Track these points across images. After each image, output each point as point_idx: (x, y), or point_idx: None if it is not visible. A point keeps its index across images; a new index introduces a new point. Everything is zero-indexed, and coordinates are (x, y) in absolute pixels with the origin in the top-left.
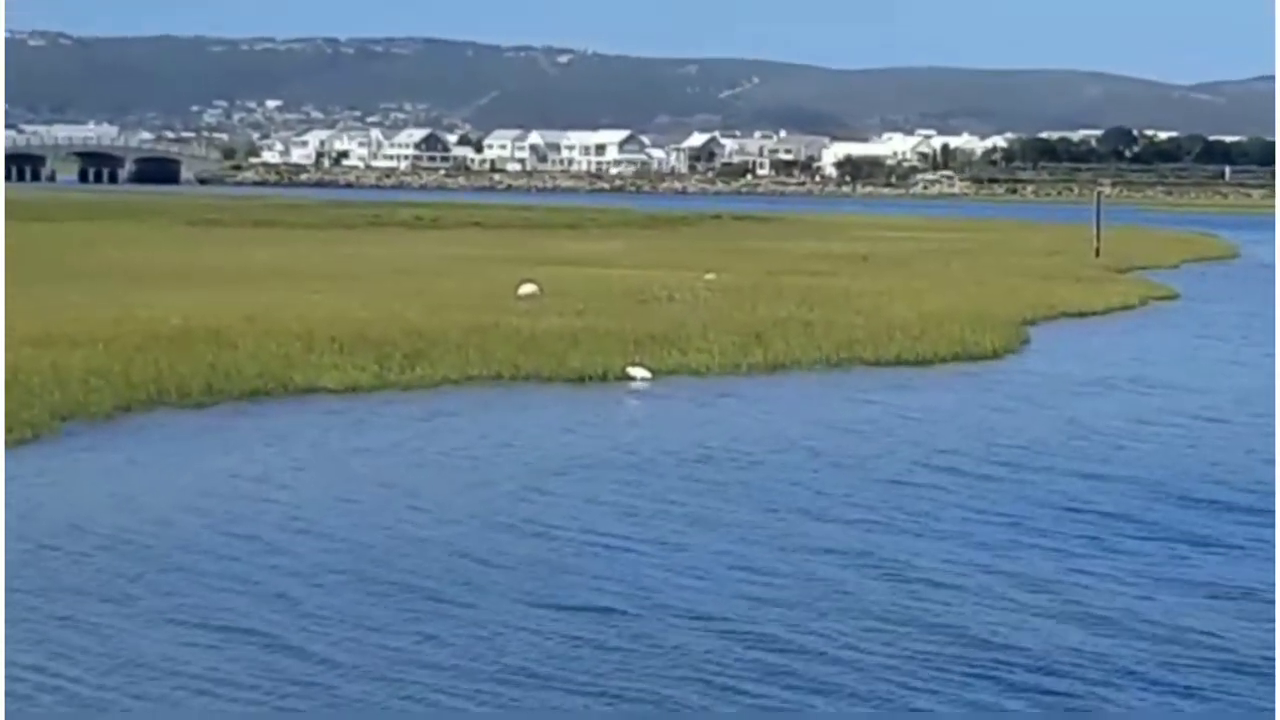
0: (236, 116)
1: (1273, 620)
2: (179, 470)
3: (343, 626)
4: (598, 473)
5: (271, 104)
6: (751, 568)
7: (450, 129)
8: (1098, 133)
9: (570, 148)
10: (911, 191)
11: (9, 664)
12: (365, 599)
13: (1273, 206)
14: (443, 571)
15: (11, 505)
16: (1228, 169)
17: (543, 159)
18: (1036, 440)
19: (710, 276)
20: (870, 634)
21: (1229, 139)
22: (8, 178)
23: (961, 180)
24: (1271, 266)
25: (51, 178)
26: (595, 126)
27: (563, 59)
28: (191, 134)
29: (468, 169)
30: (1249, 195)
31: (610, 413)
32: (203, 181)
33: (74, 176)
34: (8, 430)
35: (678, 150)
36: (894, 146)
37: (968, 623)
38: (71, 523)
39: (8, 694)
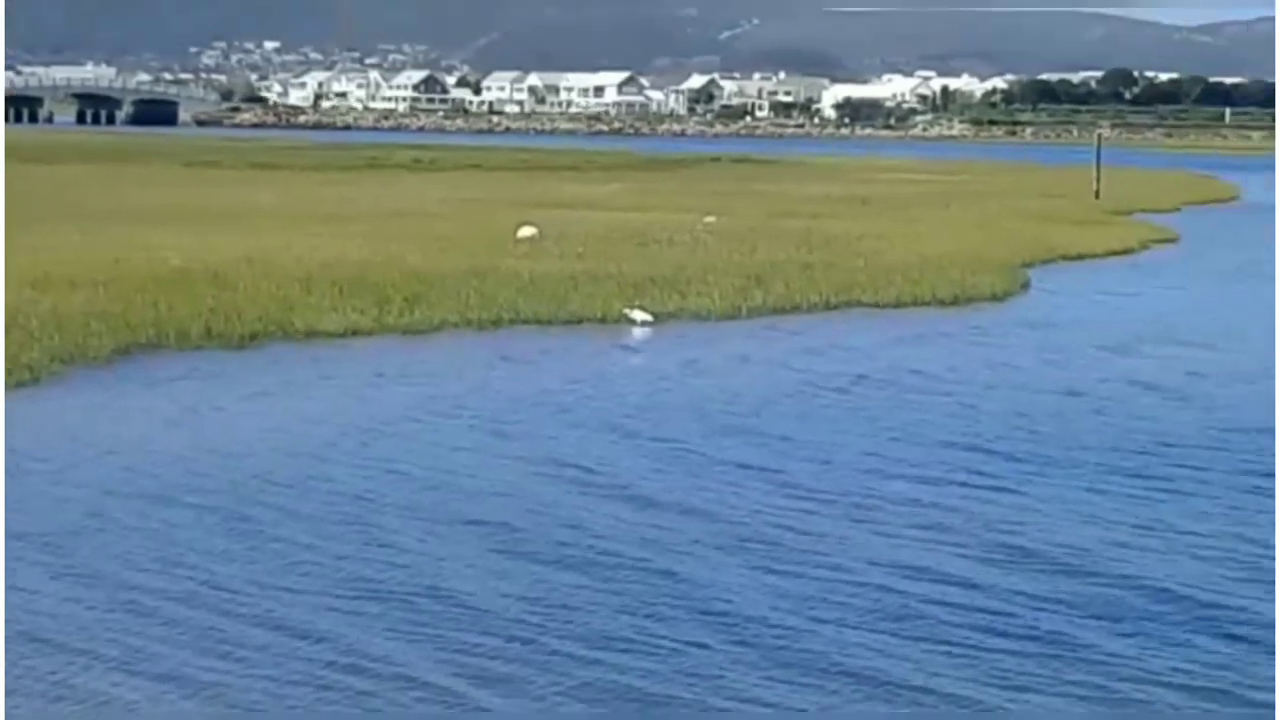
0: (234, 58)
1: None
2: (168, 414)
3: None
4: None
5: (269, 45)
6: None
7: (449, 70)
8: (1098, 74)
9: (569, 89)
10: (910, 133)
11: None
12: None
13: (1273, 148)
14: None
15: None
16: (1228, 111)
17: (541, 101)
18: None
19: (710, 219)
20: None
21: (1229, 80)
22: (5, 119)
23: (961, 122)
24: (1272, 209)
25: (49, 119)
26: (594, 68)
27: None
28: (189, 75)
29: (466, 111)
30: (1249, 137)
31: (608, 358)
32: (200, 123)
33: (71, 118)
34: (6, 373)
35: (677, 92)
36: (893, 88)
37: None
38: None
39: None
